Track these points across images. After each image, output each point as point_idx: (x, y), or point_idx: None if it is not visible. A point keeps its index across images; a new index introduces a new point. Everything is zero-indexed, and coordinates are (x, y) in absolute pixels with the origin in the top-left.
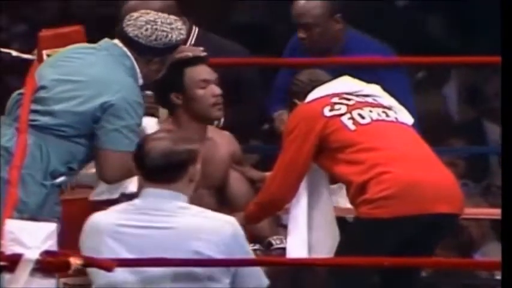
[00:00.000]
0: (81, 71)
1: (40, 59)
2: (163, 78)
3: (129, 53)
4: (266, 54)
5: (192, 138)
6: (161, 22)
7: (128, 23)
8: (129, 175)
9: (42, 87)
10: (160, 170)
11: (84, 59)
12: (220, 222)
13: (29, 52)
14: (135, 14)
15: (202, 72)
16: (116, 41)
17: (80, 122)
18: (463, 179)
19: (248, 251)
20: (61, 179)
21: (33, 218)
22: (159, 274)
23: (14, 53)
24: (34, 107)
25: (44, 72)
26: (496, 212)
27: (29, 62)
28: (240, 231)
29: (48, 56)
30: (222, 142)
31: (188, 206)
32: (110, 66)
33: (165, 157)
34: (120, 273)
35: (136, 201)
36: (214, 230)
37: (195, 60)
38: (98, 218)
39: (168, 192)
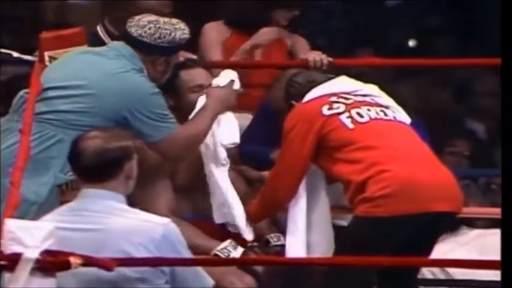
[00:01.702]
0: (96, 73)
1: (42, 61)
2: None
3: (134, 52)
4: None
5: (126, 135)
6: (163, 22)
7: (131, 24)
8: (192, 147)
9: (57, 87)
10: (94, 169)
11: (95, 60)
12: (150, 224)
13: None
14: (137, 17)
15: (198, 77)
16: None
17: (102, 122)
18: (466, 180)
19: (181, 252)
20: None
21: (37, 210)
22: (96, 277)
23: (15, 54)
24: (50, 107)
25: (54, 73)
26: (496, 211)
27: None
28: (173, 233)
29: (50, 57)
30: None
31: (121, 206)
32: (121, 66)
33: (98, 156)
34: (62, 277)
35: (72, 202)
36: (143, 232)
37: (191, 63)
38: (45, 220)
39: (103, 191)
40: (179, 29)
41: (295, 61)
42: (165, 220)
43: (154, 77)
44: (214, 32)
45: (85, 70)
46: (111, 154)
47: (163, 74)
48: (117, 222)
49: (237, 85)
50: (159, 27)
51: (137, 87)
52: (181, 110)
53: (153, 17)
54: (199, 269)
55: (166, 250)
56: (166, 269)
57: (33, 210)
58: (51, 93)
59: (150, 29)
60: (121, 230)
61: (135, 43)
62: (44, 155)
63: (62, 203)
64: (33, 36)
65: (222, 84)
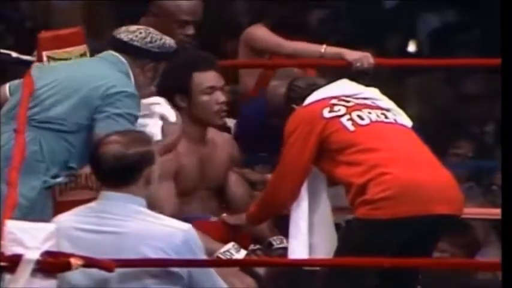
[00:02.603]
0: (78, 71)
1: (40, 61)
2: (170, 79)
3: (124, 60)
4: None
5: (146, 140)
6: (153, 29)
7: (120, 31)
8: None
9: (41, 87)
10: (114, 174)
11: (80, 62)
12: (171, 229)
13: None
14: (124, 27)
15: (210, 78)
16: (112, 51)
17: (77, 115)
18: (469, 182)
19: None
20: (60, 178)
21: (27, 213)
22: (110, 276)
23: (14, 54)
24: (32, 103)
25: (40, 74)
26: (496, 212)
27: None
28: (193, 239)
29: (48, 57)
30: (222, 144)
31: (143, 210)
32: (106, 65)
33: (117, 161)
34: (73, 276)
35: (93, 203)
36: (164, 237)
37: (205, 65)
38: (59, 219)
39: (123, 195)
40: (168, 38)
41: (336, 62)
42: (186, 226)
43: (143, 82)
44: (268, 32)
45: (65, 69)
46: (130, 160)
47: (152, 81)
48: (138, 226)
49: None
50: (149, 33)
51: (119, 81)
52: (192, 111)
53: (141, 26)
54: (215, 273)
55: (185, 256)
56: (184, 275)
57: (24, 214)
58: (39, 91)
59: (140, 33)
60: (141, 233)
61: (126, 47)
62: (31, 159)
63: (60, 203)
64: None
65: (166, 115)
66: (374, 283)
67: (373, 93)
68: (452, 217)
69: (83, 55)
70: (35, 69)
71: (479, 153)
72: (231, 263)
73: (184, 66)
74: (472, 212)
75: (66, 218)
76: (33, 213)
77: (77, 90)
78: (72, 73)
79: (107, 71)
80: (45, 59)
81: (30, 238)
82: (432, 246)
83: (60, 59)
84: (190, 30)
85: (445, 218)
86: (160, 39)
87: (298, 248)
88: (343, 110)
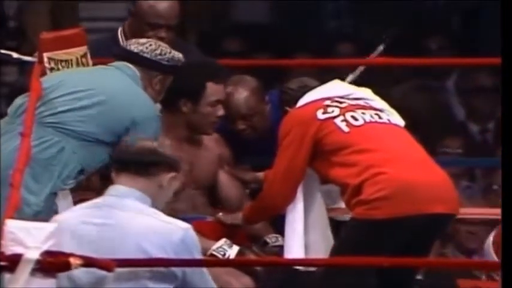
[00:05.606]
0: (105, 83)
1: (41, 62)
2: (181, 82)
3: (137, 72)
4: (266, 54)
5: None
6: (162, 43)
7: (129, 43)
8: None
9: (65, 93)
10: (137, 161)
11: (104, 74)
12: (171, 226)
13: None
14: (133, 39)
15: (220, 92)
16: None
17: (104, 132)
18: (467, 181)
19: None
20: (68, 184)
21: (38, 212)
22: (107, 274)
23: (15, 55)
24: (62, 108)
25: (60, 78)
26: (496, 212)
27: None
28: (192, 238)
29: (49, 58)
30: (210, 144)
31: (145, 207)
32: (129, 82)
33: (146, 151)
34: (74, 272)
35: (99, 199)
36: (163, 234)
37: (219, 77)
38: (63, 216)
39: (131, 190)
40: (175, 51)
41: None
42: (186, 225)
43: (152, 95)
44: None
45: (96, 80)
46: (156, 154)
47: (159, 95)
48: (140, 221)
49: None
50: (159, 45)
51: (146, 103)
52: (191, 118)
53: (151, 39)
54: (207, 273)
55: (183, 254)
56: (179, 273)
57: (35, 212)
58: (53, 96)
59: (151, 45)
60: (143, 229)
61: (136, 59)
62: (47, 162)
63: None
64: None
65: None
66: (370, 283)
67: (365, 93)
68: (448, 216)
69: (83, 56)
70: (58, 73)
71: (480, 151)
72: (228, 262)
73: (200, 74)
74: (469, 211)
75: (71, 213)
76: (43, 212)
77: (110, 108)
78: (105, 84)
79: (135, 91)
80: (46, 60)
81: (31, 238)
82: (429, 246)
83: (61, 60)
84: (162, 34)
85: (441, 217)
86: (170, 52)
87: (294, 249)
88: (336, 111)
